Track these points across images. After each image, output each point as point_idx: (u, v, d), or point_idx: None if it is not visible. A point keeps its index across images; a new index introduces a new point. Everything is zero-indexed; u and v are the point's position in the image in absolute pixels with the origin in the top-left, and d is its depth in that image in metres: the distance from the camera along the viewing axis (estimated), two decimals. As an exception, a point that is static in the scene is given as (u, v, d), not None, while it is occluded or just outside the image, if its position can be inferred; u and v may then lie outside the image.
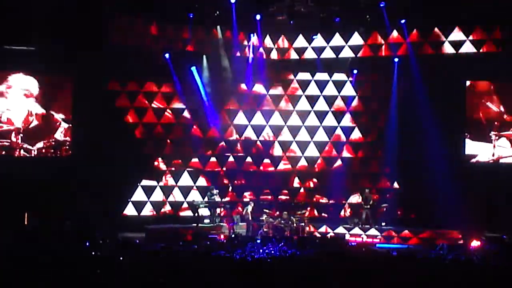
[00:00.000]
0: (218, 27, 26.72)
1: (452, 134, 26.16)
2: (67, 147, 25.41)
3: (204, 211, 25.55)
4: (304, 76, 28.33)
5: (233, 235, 22.44)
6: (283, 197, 28.04)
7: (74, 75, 25.26)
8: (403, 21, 25.81)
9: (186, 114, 27.30)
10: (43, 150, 25.24)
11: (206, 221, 25.44)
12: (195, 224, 24.93)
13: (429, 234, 24.54)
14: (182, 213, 27.04)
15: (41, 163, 25.03)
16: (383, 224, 25.62)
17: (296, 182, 28.30)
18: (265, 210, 25.55)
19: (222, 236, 23.40)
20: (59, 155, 25.33)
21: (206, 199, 25.92)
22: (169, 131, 27.21)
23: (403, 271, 14.08)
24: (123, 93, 26.52)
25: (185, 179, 27.35)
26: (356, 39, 27.18)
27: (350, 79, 27.91)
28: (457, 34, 26.01)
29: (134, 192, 26.65)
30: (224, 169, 27.81)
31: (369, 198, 25.75)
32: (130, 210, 26.57)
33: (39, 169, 24.32)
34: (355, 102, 28.12)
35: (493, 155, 26.27)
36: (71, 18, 23.41)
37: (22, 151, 24.85)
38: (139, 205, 26.69)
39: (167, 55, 25.91)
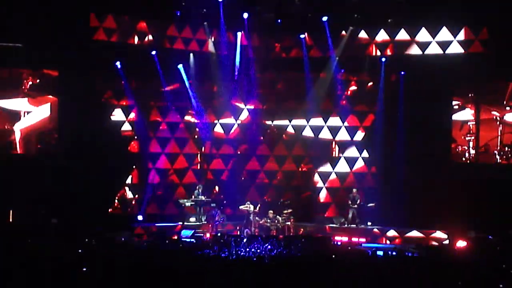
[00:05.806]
0: (205, 24, 26.69)
1: (438, 134, 26.11)
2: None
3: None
4: (291, 75, 28.25)
5: (218, 234, 22.37)
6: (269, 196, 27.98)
7: (60, 72, 25.04)
8: (389, 20, 25.82)
9: (173, 112, 27.20)
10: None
11: (192, 219, 25.38)
12: (180, 222, 24.82)
13: (415, 234, 24.57)
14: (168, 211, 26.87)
15: (28, 160, 24.86)
16: (370, 223, 25.65)
17: (283, 181, 28.28)
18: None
19: (208, 235, 23.34)
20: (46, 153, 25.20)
21: (192, 197, 25.77)
22: (156, 129, 27.10)
23: (389, 271, 14.10)
24: (110, 91, 26.27)
25: (171, 177, 27.26)
26: (344, 38, 27.12)
27: (337, 78, 27.87)
28: (444, 35, 26.04)
29: (121, 190, 26.53)
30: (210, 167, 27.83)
31: (356, 198, 25.73)
32: (116, 208, 26.43)
33: (25, 166, 24.16)
34: (342, 102, 28.09)
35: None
36: (57, 16, 23.36)
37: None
38: (125, 203, 26.55)
39: (153, 53, 25.82)
